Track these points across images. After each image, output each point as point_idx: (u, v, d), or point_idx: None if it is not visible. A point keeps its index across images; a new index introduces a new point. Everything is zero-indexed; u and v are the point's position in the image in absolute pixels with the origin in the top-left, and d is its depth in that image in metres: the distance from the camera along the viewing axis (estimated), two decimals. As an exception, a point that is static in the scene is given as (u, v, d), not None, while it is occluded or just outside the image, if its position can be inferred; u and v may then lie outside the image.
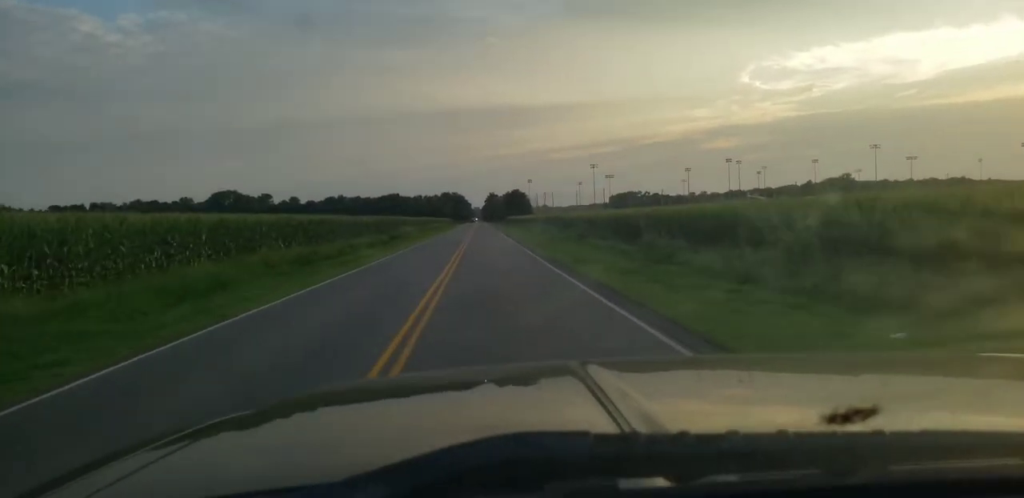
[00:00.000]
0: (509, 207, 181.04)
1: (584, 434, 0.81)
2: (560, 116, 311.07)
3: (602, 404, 1.27)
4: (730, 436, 0.80)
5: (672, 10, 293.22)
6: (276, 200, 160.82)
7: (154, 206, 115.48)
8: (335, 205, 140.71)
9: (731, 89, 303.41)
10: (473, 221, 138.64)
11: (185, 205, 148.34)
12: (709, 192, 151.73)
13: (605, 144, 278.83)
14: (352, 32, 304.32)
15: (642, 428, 1.05)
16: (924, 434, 0.87)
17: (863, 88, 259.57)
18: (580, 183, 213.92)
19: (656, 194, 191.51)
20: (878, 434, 0.82)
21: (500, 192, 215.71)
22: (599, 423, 1.15)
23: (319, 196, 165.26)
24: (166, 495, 1.13)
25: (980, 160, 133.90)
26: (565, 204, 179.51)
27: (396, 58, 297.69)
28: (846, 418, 0.97)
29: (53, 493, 1.19)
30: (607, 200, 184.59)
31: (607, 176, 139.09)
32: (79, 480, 1.26)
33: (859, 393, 1.24)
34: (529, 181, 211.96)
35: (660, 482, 0.81)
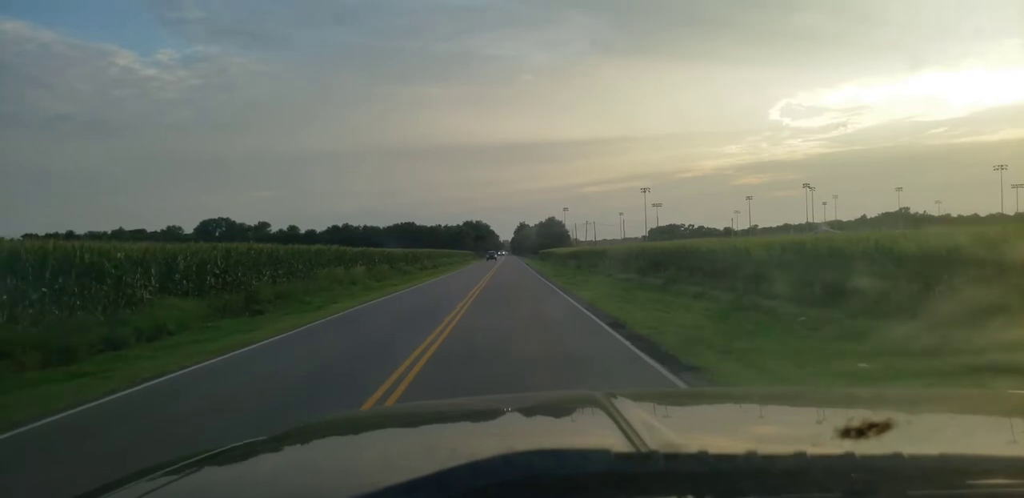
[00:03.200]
0: (542, 238, 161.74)
1: (604, 452, 0.86)
2: (591, 151, 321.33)
3: (622, 429, 1.32)
4: (748, 456, 0.83)
5: (701, 48, 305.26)
6: (275, 228, 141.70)
7: (140, 235, 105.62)
8: (339, 234, 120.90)
9: (761, 126, 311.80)
10: (498, 257, 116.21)
11: (173, 234, 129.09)
12: (760, 226, 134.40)
13: (637, 179, 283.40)
14: (385, 67, 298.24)
15: (661, 449, 1.06)
16: (940, 457, 0.90)
17: (893, 126, 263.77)
18: (622, 214, 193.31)
19: (701, 227, 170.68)
20: (895, 456, 0.85)
21: (531, 223, 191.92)
22: (619, 445, 1.20)
23: (324, 225, 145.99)
24: None
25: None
26: (598, 238, 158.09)
27: (429, 93, 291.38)
28: (863, 442, 1.00)
29: None
30: (646, 233, 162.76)
31: (654, 204, 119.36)
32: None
33: (874, 421, 1.13)
34: (565, 209, 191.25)
35: None
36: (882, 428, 1.01)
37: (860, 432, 1.01)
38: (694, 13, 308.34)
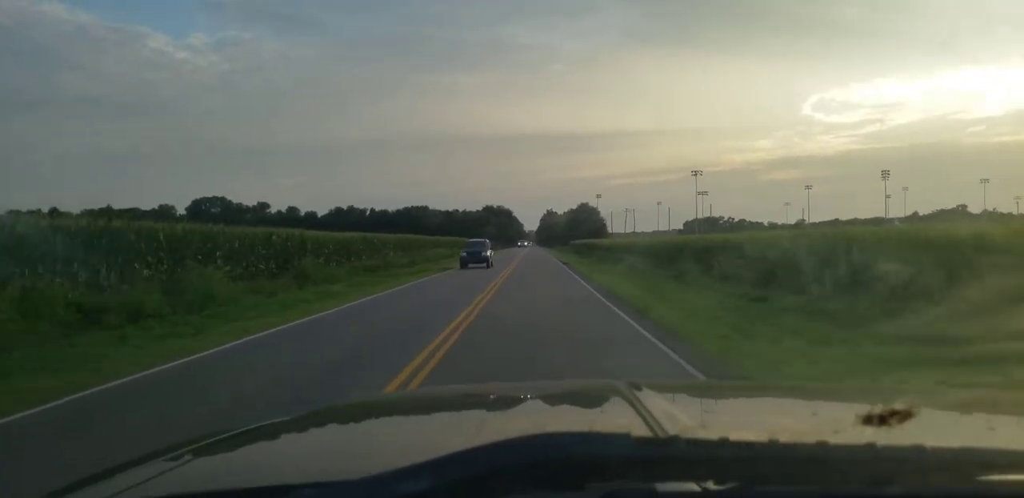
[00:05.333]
0: (573, 228, 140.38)
1: (625, 436, 0.85)
2: (620, 143, 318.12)
3: (643, 416, 1.36)
4: (770, 444, 0.85)
5: (732, 40, 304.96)
6: (274, 209, 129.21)
7: (133, 214, 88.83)
8: (343, 218, 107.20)
9: (793, 120, 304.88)
10: (523, 246, 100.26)
11: (165, 213, 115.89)
12: (811, 220, 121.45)
13: (667, 172, 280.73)
14: (415, 54, 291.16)
15: (682, 434, 1.10)
16: (963, 450, 0.92)
17: (929, 123, 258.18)
18: (660, 203, 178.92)
19: (742, 221, 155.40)
20: (917, 448, 0.87)
21: (559, 212, 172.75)
22: (640, 430, 1.25)
23: (333, 207, 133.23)
24: (213, 486, 1.22)
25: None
26: (627, 230, 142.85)
27: (458, 82, 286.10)
28: (884, 432, 1.02)
29: (100, 486, 1.31)
30: (681, 226, 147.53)
31: (699, 193, 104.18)
32: (130, 472, 1.38)
33: (895, 412, 1.15)
34: (599, 196, 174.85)
35: (697, 486, 0.87)
36: (904, 416, 1.04)
37: (882, 419, 1.03)
38: (728, 4, 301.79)
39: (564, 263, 50.62)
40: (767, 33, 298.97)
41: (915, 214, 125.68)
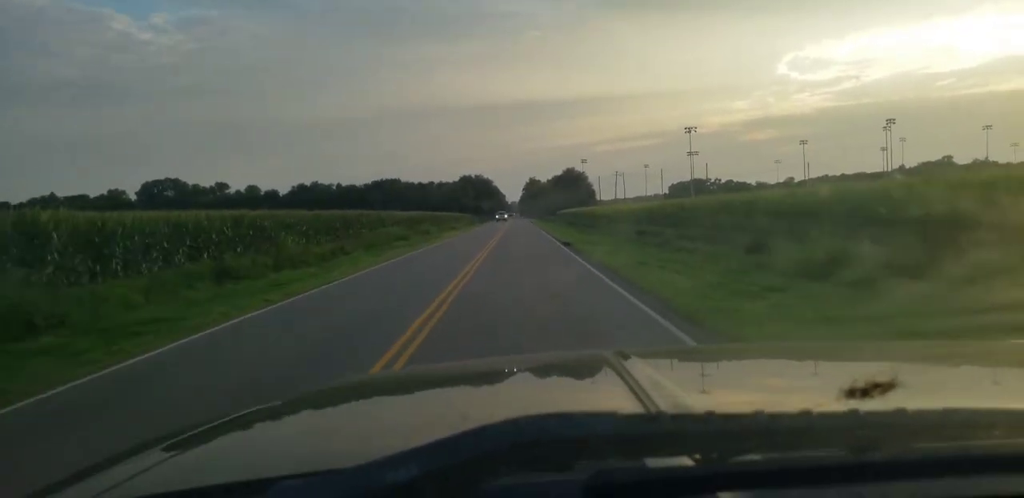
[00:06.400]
0: (560, 195, 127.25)
1: (611, 414, 0.87)
2: (601, 108, 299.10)
3: (632, 389, 1.37)
4: (755, 416, 0.86)
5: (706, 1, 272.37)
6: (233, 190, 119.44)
7: (82, 201, 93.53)
8: (308, 195, 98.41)
9: (769, 80, 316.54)
10: (502, 219, 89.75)
11: (114, 199, 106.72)
12: (796, 179, 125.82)
13: (645, 137, 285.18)
14: (391, 28, 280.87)
15: (669, 410, 1.16)
16: (945, 412, 0.94)
17: (901, 78, 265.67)
18: (647, 165, 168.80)
19: (730, 181, 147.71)
20: (900, 412, 0.88)
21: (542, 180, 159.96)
22: (628, 406, 1.27)
23: (296, 184, 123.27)
24: (199, 481, 1.22)
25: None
26: (608, 197, 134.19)
27: (434, 53, 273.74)
28: (867, 398, 1.04)
29: (86, 482, 1.31)
30: (666, 191, 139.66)
31: (689, 153, 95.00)
32: (114, 468, 1.39)
33: (879, 376, 1.16)
34: (584, 161, 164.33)
35: (686, 461, 0.88)
36: (886, 388, 1.04)
37: (864, 392, 1.04)
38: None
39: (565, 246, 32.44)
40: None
41: (901, 167, 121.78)
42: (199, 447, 1.45)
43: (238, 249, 25.81)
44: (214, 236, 24.70)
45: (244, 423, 1.65)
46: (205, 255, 23.52)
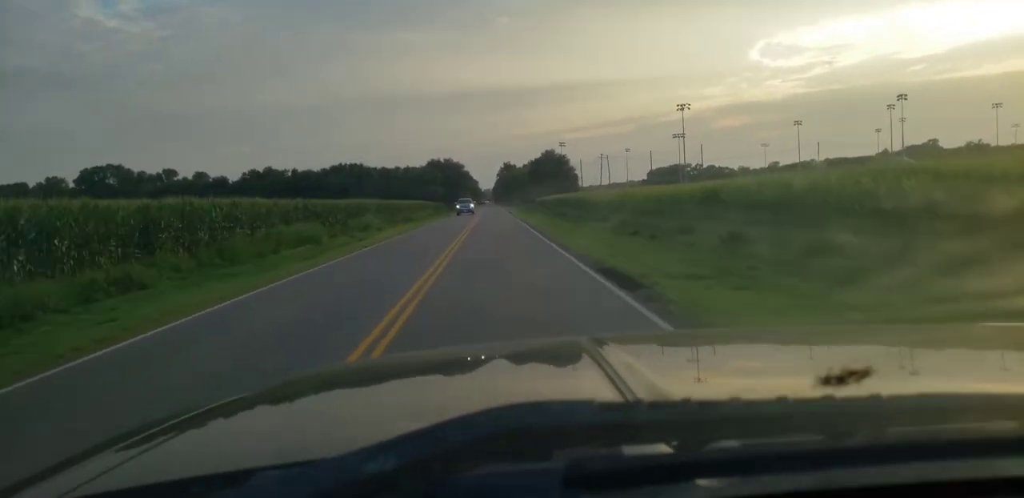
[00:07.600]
0: (537, 181, 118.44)
1: (588, 402, 0.89)
2: (575, 95, 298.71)
3: (609, 377, 1.39)
4: (731, 402, 0.88)
5: None
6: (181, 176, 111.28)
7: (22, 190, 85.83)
8: (261, 182, 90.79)
9: (741, 67, 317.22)
10: (465, 210, 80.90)
11: (53, 187, 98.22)
12: (782, 163, 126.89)
13: (618, 124, 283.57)
14: (359, 15, 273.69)
15: (646, 397, 1.17)
16: (919, 397, 0.97)
17: (873, 63, 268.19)
18: (628, 149, 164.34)
19: (711, 166, 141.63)
20: (874, 398, 0.90)
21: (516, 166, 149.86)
22: (605, 394, 1.28)
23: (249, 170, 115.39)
24: (177, 473, 1.21)
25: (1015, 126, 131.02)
26: (587, 184, 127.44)
27: (403, 40, 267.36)
28: (843, 384, 1.06)
29: (62, 476, 1.31)
30: (645, 176, 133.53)
31: (674, 135, 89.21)
32: (89, 461, 1.38)
33: (855, 361, 1.19)
34: (562, 144, 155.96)
35: (663, 448, 0.89)
36: (862, 374, 1.06)
37: (840, 378, 1.06)
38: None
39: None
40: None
41: (885, 151, 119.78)
42: (177, 438, 1.46)
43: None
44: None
45: (222, 413, 1.66)
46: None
